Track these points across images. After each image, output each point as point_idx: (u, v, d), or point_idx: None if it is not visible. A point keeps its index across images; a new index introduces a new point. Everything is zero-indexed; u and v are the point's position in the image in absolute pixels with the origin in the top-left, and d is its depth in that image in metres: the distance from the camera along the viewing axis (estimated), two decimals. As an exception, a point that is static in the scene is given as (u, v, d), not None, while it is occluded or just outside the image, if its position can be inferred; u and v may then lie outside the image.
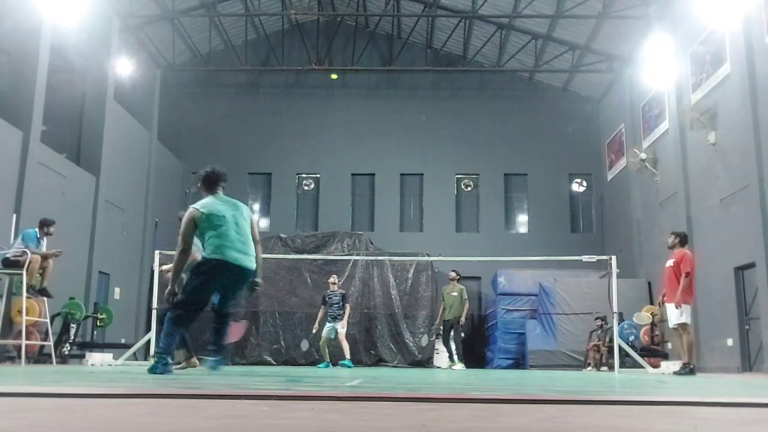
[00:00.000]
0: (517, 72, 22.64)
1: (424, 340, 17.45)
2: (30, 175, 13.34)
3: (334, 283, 13.62)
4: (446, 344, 14.02)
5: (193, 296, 5.98)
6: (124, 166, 18.20)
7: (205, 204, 6.06)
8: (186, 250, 6.00)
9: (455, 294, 13.88)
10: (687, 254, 9.56)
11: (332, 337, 13.22)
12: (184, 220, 6.02)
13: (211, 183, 6.28)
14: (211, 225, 5.94)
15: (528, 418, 2.19)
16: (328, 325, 13.19)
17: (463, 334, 14.32)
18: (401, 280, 17.94)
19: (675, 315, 9.42)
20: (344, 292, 13.98)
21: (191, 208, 6.04)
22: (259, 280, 6.30)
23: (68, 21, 14.70)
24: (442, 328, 14.13)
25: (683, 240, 9.84)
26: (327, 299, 13.33)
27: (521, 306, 18.38)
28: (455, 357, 13.83)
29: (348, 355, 13.34)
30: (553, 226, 22.15)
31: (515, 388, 4.46)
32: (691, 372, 9.37)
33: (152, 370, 5.76)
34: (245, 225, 6.11)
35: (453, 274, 14.20)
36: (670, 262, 9.71)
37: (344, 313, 13.34)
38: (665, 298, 9.74)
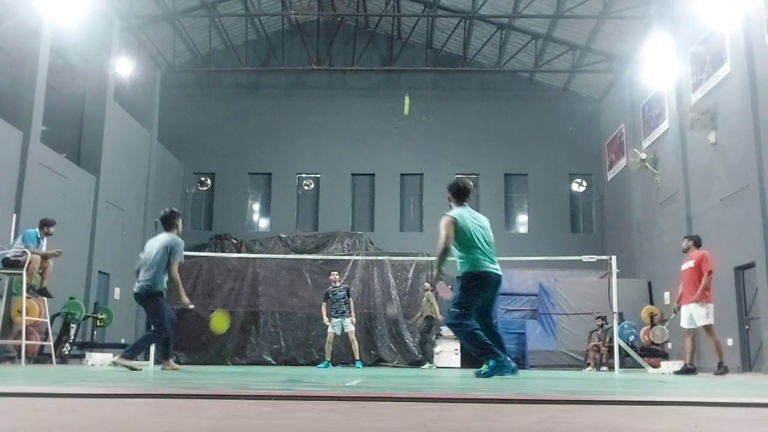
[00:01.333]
0: (517, 72, 22.63)
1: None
2: (30, 175, 13.33)
3: (335, 280, 13.59)
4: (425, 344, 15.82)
5: (466, 309, 6.42)
6: (124, 166, 18.20)
7: (459, 214, 6.57)
8: (446, 250, 6.49)
9: (425, 300, 15.56)
10: (707, 254, 9.77)
11: (338, 333, 13.20)
12: (444, 223, 6.52)
13: (460, 194, 6.76)
14: (465, 236, 6.46)
15: (529, 418, 2.19)
16: (334, 321, 13.16)
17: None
18: (401, 280, 17.92)
19: (702, 316, 9.53)
20: (348, 286, 13.99)
21: (447, 216, 6.56)
22: None
23: (68, 21, 14.69)
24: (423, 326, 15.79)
25: (697, 242, 10.07)
26: (330, 295, 13.30)
27: (521, 306, 18.39)
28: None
29: (358, 356, 13.36)
30: (553, 226, 22.14)
31: (516, 388, 4.46)
32: (726, 371, 9.61)
33: (486, 374, 6.23)
34: (489, 236, 6.65)
35: (427, 285, 15.66)
36: (689, 264, 9.85)
37: (350, 308, 13.33)
38: (681, 300, 9.85)
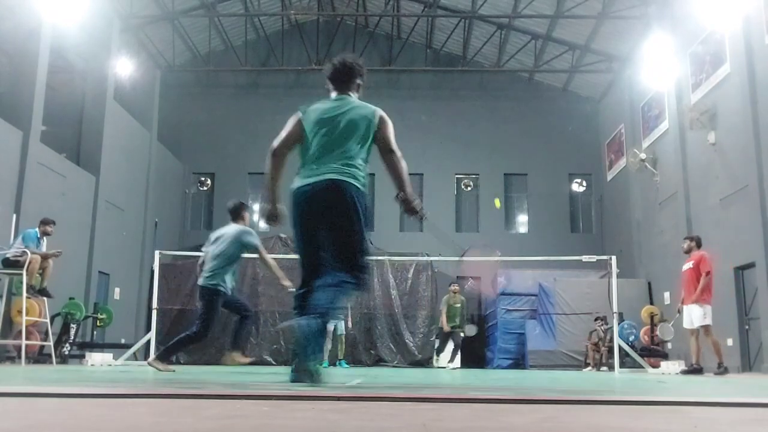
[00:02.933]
0: (516, 72, 22.63)
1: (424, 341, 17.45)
2: (30, 175, 13.33)
3: None
4: (443, 346, 14.81)
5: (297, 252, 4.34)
6: (124, 166, 18.20)
7: (312, 106, 4.55)
8: (274, 159, 4.67)
9: (458, 305, 14.49)
10: (705, 255, 9.85)
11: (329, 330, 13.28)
12: (289, 120, 4.63)
13: (333, 76, 4.71)
14: (304, 143, 4.40)
15: (528, 418, 2.19)
16: None
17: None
18: (401, 280, 17.92)
19: (698, 317, 9.58)
20: None
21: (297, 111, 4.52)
22: (405, 194, 4.35)
23: (68, 22, 14.69)
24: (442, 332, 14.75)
25: (699, 243, 10.17)
26: None
27: (521, 306, 18.36)
28: (454, 357, 14.63)
29: (342, 355, 13.43)
30: (553, 226, 22.15)
31: (515, 388, 4.46)
32: (726, 371, 9.65)
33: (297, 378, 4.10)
34: (348, 130, 4.37)
35: (456, 287, 14.78)
36: (688, 265, 9.92)
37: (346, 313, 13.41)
38: (684, 301, 9.91)
